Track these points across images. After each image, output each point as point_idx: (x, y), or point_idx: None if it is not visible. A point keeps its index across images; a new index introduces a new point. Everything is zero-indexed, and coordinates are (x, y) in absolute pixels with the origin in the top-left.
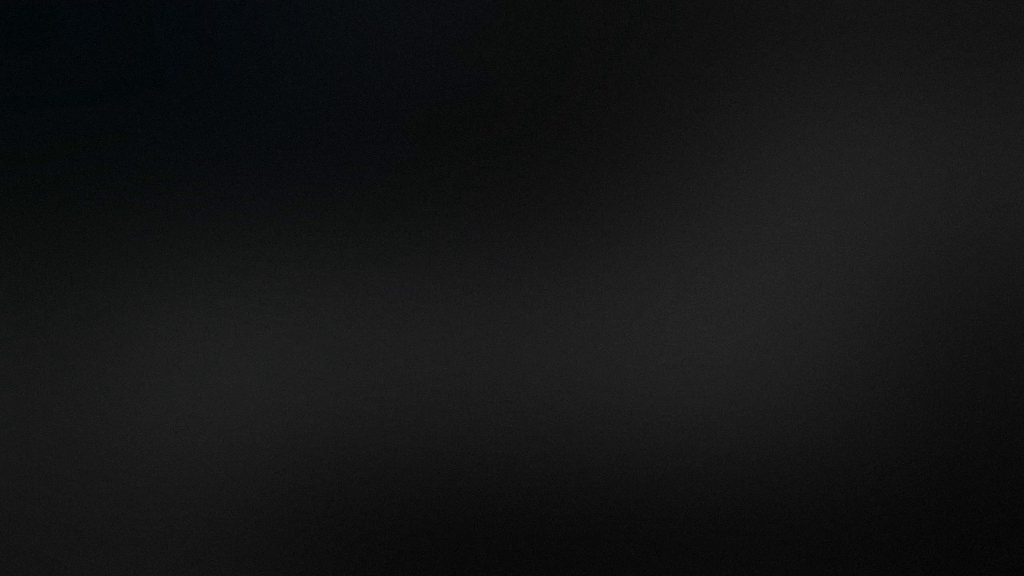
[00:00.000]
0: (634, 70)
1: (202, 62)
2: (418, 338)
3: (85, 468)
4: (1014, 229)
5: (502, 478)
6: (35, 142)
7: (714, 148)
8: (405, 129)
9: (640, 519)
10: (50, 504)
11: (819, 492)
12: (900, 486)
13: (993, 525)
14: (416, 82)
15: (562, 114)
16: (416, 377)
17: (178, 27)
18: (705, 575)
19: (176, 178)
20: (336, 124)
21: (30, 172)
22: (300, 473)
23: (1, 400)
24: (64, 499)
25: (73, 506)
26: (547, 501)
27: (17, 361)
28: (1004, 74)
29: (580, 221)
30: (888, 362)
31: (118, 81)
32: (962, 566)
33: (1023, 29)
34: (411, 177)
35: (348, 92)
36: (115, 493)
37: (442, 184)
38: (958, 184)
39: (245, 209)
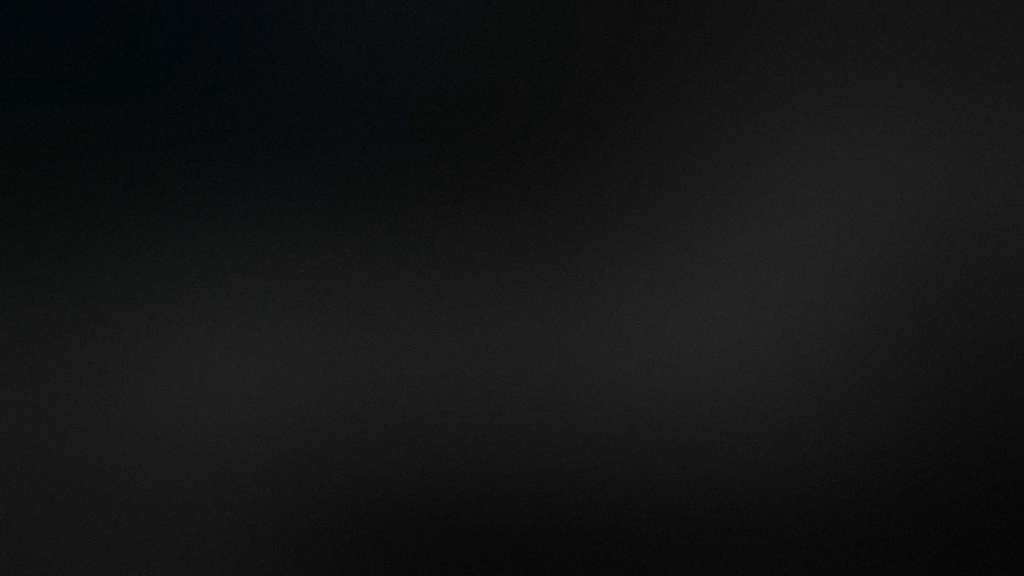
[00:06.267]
0: (634, 70)
1: (202, 62)
2: (418, 338)
3: (85, 468)
4: (1014, 229)
5: (502, 478)
6: (35, 142)
7: (714, 148)
8: (405, 129)
9: (640, 519)
10: (50, 504)
11: (819, 492)
12: (900, 486)
13: (993, 525)
14: (417, 82)
15: (562, 114)
16: (416, 377)
17: (178, 27)
18: (705, 575)
19: (176, 178)
20: (336, 124)
21: (30, 172)
22: (300, 473)
23: (1, 400)
24: (64, 499)
25: (73, 506)
26: (547, 501)
27: (17, 361)
28: (1004, 74)
29: (580, 221)
30: (888, 362)
31: (118, 81)
32: (962, 566)
33: (1023, 29)
34: (411, 177)
35: (348, 92)
36: (115, 493)
37: (442, 184)
38: (958, 184)
39: (245, 209)
